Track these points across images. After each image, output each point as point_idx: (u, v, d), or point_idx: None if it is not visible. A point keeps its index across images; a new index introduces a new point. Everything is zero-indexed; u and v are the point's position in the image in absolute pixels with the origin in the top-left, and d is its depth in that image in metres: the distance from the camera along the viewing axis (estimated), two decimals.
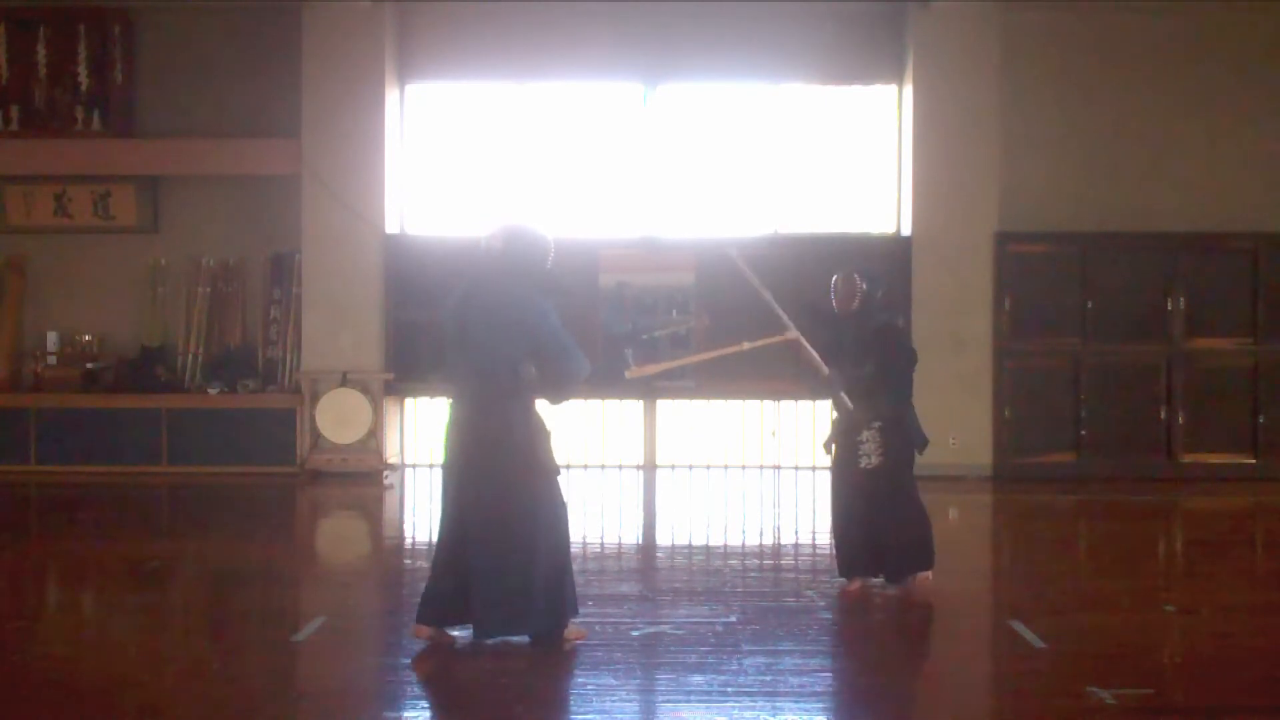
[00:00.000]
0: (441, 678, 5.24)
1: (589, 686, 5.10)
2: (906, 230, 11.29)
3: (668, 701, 4.99)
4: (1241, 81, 11.44)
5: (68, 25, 11.40)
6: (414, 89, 11.71)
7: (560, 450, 5.78)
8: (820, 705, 5.09)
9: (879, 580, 6.70)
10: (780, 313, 6.58)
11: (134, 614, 6.51)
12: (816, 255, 10.74)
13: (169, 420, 11.09)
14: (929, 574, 6.68)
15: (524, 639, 5.58)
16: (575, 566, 7.65)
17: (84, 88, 11.39)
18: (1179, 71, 11.44)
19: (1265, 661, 5.61)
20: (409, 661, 5.41)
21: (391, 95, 11.40)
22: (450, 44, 11.61)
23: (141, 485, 10.67)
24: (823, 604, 6.49)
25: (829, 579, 7.00)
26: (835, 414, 6.82)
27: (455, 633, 5.63)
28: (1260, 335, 11.11)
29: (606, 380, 11.07)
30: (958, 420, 11.01)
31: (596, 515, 9.55)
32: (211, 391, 11.21)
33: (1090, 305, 11.09)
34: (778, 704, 4.93)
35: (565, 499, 5.68)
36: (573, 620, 5.69)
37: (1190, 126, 11.42)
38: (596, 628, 5.98)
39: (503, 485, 5.46)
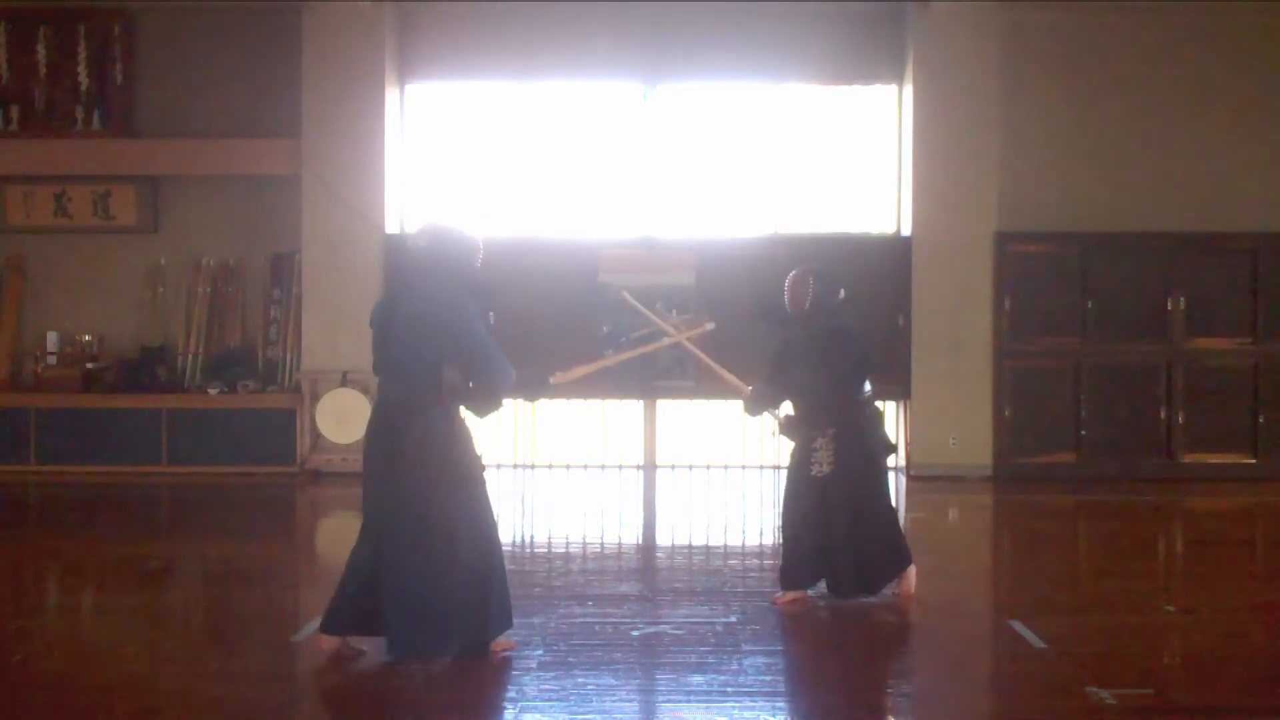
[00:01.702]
0: (436, 678, 5.23)
1: (589, 686, 5.10)
2: (906, 230, 11.29)
3: (668, 701, 4.99)
4: (1242, 81, 11.43)
5: (68, 25, 11.40)
6: (414, 89, 11.71)
7: (487, 454, 5.52)
8: (820, 705, 5.08)
9: (823, 591, 6.50)
10: (668, 328, 6.94)
11: (134, 614, 6.52)
12: (816, 255, 10.68)
13: (169, 420, 11.09)
14: (911, 577, 6.49)
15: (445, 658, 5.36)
16: (575, 567, 7.76)
17: (84, 88, 11.39)
18: (1179, 71, 11.43)
19: (1265, 661, 5.62)
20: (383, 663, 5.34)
21: (391, 95, 11.40)
22: (450, 44, 11.61)
23: (141, 485, 10.66)
24: (822, 604, 6.48)
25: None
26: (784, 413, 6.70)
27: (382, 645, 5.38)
28: (1260, 335, 11.11)
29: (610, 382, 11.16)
30: (958, 420, 11.03)
31: (596, 515, 9.56)
32: (211, 392, 11.21)
33: (1090, 305, 11.08)
34: (778, 704, 4.93)
35: (490, 507, 5.42)
36: (505, 633, 5.46)
37: (1190, 126, 11.40)
38: (596, 628, 5.99)
39: (419, 495, 5.19)
